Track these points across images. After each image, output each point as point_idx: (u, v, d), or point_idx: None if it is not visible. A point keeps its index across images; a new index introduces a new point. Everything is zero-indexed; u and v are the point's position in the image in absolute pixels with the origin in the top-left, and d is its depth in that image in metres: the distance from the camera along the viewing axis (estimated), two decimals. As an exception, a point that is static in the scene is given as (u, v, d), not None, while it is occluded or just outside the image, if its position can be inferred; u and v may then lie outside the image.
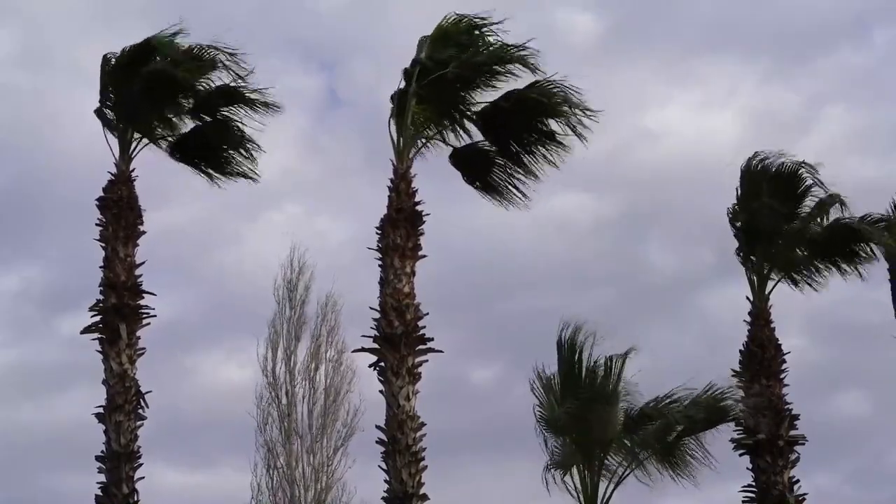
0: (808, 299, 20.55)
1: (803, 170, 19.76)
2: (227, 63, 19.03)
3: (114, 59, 19.02)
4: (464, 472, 34.96)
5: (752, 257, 19.92)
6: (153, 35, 18.77)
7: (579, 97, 18.36)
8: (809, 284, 20.35)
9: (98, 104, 19.24)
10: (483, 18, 18.60)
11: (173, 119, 19.64)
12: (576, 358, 19.01)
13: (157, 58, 18.83)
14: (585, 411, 18.60)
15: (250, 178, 20.11)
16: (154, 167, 19.80)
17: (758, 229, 19.71)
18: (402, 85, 18.70)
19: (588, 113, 18.37)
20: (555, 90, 18.51)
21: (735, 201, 20.08)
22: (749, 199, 19.94)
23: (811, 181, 19.84)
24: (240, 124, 19.67)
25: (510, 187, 19.59)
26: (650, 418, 19.12)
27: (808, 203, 20.07)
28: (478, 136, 19.30)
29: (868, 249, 19.99)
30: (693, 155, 40.30)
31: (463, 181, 19.71)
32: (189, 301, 40.37)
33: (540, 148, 19.07)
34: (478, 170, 19.61)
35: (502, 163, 19.50)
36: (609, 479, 18.73)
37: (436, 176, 19.45)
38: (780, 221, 19.68)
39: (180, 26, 18.76)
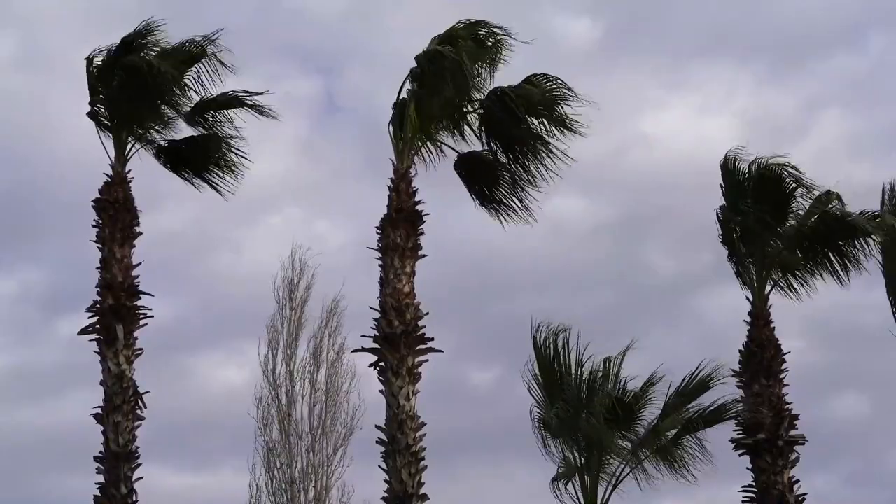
0: (807, 302, 20.53)
1: (785, 173, 19.71)
2: (213, 56, 19.06)
3: (100, 60, 19.02)
4: (464, 472, 34.99)
5: (748, 258, 19.88)
6: (129, 34, 18.77)
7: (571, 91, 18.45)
8: (801, 288, 20.30)
9: (89, 106, 19.25)
10: (495, 26, 18.57)
11: (166, 121, 19.61)
12: (551, 360, 18.82)
13: (141, 54, 18.81)
14: (576, 414, 18.47)
15: (228, 190, 20.11)
16: (150, 170, 19.87)
17: (749, 231, 19.70)
18: (403, 85, 18.72)
19: (579, 104, 18.44)
20: (547, 84, 18.53)
21: (722, 201, 20.08)
22: (735, 200, 19.94)
23: (794, 184, 19.80)
24: (230, 135, 19.72)
25: (515, 200, 19.50)
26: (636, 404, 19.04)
27: (799, 203, 20.03)
28: (477, 134, 19.26)
29: (860, 244, 19.90)
30: (691, 158, 40.26)
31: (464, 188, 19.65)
32: (187, 303, 40.37)
33: (538, 146, 19.00)
34: (483, 182, 19.51)
35: (508, 175, 19.37)
36: (608, 481, 18.66)
37: (434, 176, 19.51)
38: (771, 224, 19.64)
39: (153, 23, 18.80)
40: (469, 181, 19.59)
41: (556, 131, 18.87)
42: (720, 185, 20.05)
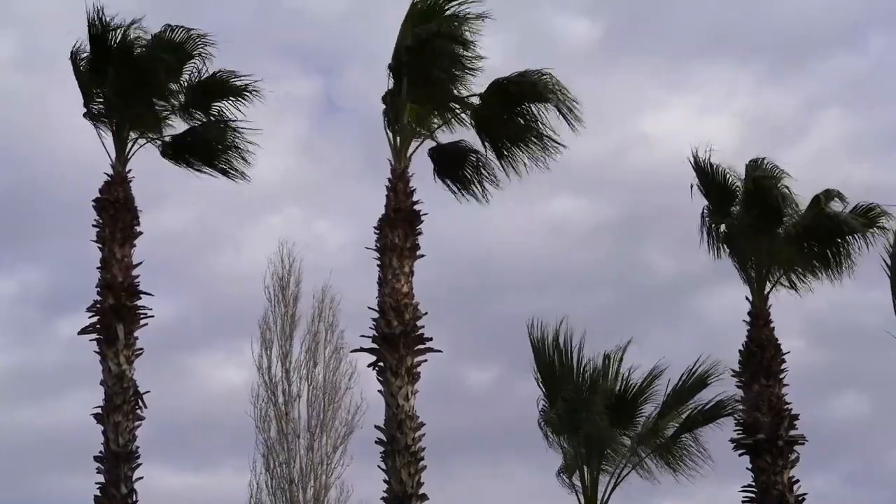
0: (806, 302, 20.55)
1: (774, 175, 19.76)
2: (199, 46, 19.05)
3: (87, 60, 19.02)
4: (461, 472, 35.03)
5: (748, 259, 19.91)
6: (111, 23, 18.72)
7: (562, 85, 18.37)
8: (800, 286, 20.31)
9: (84, 107, 19.25)
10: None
11: (164, 116, 19.61)
12: (552, 356, 18.83)
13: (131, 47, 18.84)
14: (576, 413, 18.50)
15: (241, 176, 20.12)
16: (151, 170, 19.88)
17: (742, 234, 19.73)
18: (392, 83, 18.67)
19: (572, 102, 18.36)
20: (539, 78, 18.46)
21: (707, 204, 20.12)
22: (722, 204, 19.96)
23: (783, 189, 19.84)
24: (233, 122, 19.71)
25: (477, 182, 19.53)
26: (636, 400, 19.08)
27: (790, 206, 20.06)
28: (473, 131, 19.23)
29: (854, 242, 19.90)
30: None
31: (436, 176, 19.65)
32: (187, 303, 40.44)
33: (530, 141, 18.97)
34: (452, 164, 19.52)
35: (475, 158, 19.39)
36: (609, 478, 18.68)
37: (433, 176, 19.49)
38: (764, 227, 19.68)
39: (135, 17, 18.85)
40: (438, 164, 19.55)
41: (549, 123, 18.84)
42: (697, 185, 20.08)
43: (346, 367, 31.15)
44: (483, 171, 19.53)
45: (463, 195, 19.70)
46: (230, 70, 19.37)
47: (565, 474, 18.61)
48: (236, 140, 19.80)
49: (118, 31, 18.78)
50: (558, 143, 18.90)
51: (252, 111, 19.54)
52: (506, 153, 19.21)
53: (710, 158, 19.95)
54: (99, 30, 18.70)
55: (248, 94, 19.43)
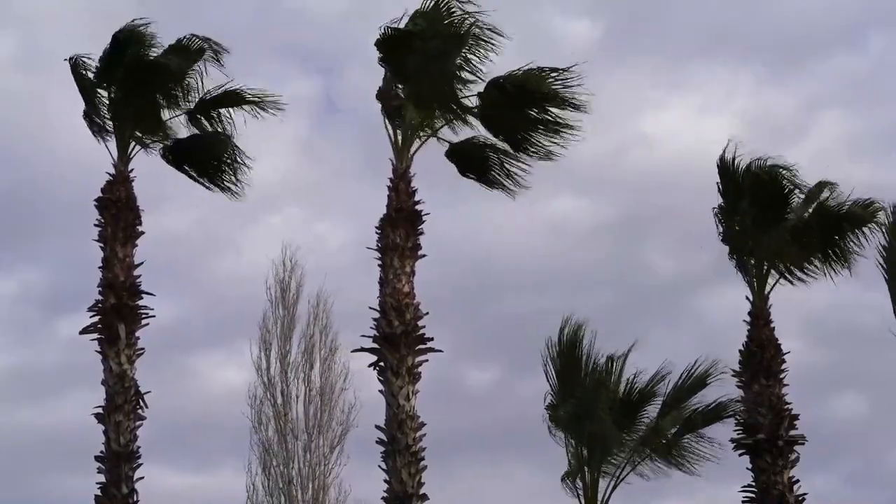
0: (805, 302, 20.55)
1: (782, 172, 19.77)
2: (212, 52, 19.03)
3: (94, 61, 19.00)
4: (461, 472, 35.06)
5: (747, 258, 19.92)
6: (123, 28, 18.71)
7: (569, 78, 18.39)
8: (803, 280, 20.32)
9: (84, 109, 19.29)
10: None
11: (168, 122, 19.65)
12: (576, 355, 18.92)
13: (140, 50, 18.82)
14: (585, 411, 18.57)
15: (235, 192, 20.16)
16: (153, 171, 19.90)
17: (747, 230, 19.74)
18: (393, 80, 18.69)
19: (579, 88, 18.40)
20: (545, 73, 18.46)
21: (720, 200, 20.13)
22: (732, 200, 19.98)
23: (792, 184, 19.85)
24: (233, 135, 19.77)
25: (505, 176, 19.50)
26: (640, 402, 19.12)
27: (796, 201, 20.07)
28: (476, 129, 19.24)
29: (857, 237, 19.91)
30: (691, 158, 40.27)
31: (459, 175, 19.64)
32: (189, 304, 40.46)
33: (537, 134, 18.97)
34: (474, 161, 19.51)
35: (496, 154, 19.39)
36: (610, 478, 18.72)
37: (433, 176, 19.53)
38: (766, 224, 19.70)
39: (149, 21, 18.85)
40: (461, 163, 19.53)
41: (558, 112, 18.79)
42: (717, 184, 20.11)
43: (341, 369, 31.40)
44: (505, 165, 19.50)
45: (490, 189, 19.71)
46: (243, 83, 19.43)
47: (569, 478, 18.64)
48: (235, 154, 19.81)
49: (137, 36, 18.79)
50: (572, 128, 18.88)
51: (252, 112, 19.61)
52: (520, 146, 19.20)
53: (735, 157, 19.92)
54: (125, 34, 18.72)
55: (261, 107, 19.45)
